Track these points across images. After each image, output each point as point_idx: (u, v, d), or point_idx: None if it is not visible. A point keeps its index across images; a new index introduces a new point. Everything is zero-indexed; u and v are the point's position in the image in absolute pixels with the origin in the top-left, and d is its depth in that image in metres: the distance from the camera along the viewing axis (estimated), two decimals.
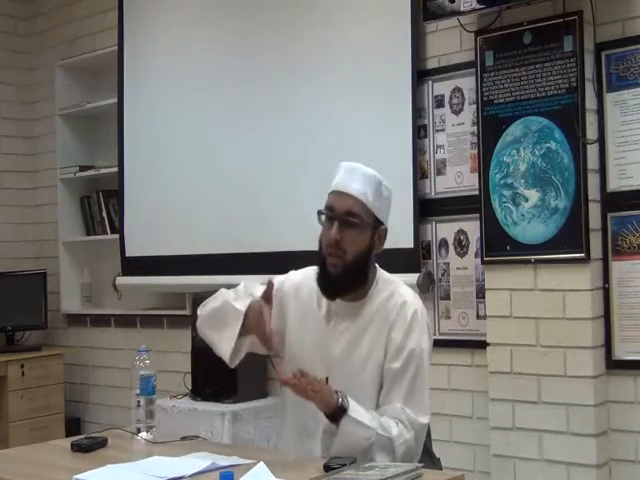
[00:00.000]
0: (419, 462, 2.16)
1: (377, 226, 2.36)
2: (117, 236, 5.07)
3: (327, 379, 2.30)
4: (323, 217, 2.35)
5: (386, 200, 2.39)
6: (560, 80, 3.33)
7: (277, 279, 2.52)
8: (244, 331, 2.35)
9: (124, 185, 5.04)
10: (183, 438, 2.53)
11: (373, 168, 3.87)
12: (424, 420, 2.29)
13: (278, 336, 2.44)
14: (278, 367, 2.42)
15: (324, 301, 2.42)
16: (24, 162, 5.77)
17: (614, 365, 3.31)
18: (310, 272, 2.48)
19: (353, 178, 2.35)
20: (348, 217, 2.31)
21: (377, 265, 2.45)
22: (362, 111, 3.97)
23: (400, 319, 2.34)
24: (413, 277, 3.76)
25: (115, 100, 5.08)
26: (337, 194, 2.35)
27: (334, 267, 2.33)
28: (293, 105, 4.25)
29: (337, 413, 2.17)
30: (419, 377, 2.31)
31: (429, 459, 2.54)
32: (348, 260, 2.32)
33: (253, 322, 2.30)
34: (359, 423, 2.17)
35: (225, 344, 2.40)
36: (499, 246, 3.49)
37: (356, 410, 2.19)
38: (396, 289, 2.40)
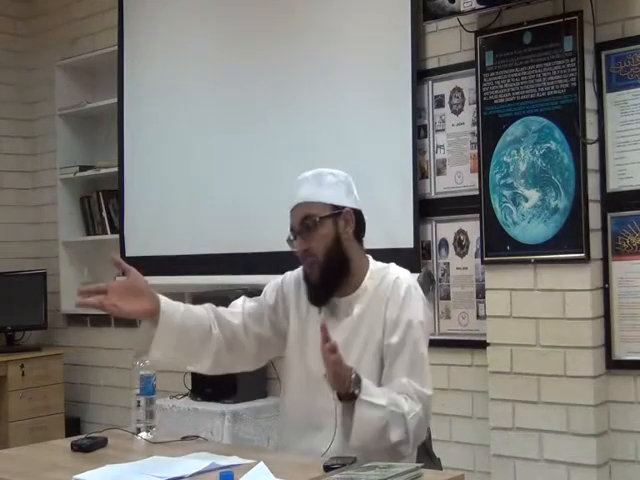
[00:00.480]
0: (419, 462, 2.16)
1: (338, 213, 2.37)
2: (117, 236, 5.08)
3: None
4: (292, 241, 2.39)
5: (339, 184, 2.40)
6: (560, 80, 3.33)
7: (274, 281, 2.55)
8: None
9: (124, 185, 5.04)
10: (183, 438, 2.52)
11: (373, 168, 3.90)
12: (428, 391, 2.30)
13: (280, 336, 2.48)
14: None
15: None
16: (24, 162, 5.77)
17: (614, 365, 3.31)
18: (301, 273, 2.50)
19: (298, 188, 2.40)
20: (303, 224, 2.35)
21: (370, 257, 2.47)
22: (362, 111, 3.97)
23: (394, 296, 2.35)
24: (413, 277, 3.76)
25: (115, 100, 5.08)
26: (291, 212, 2.40)
27: (312, 272, 2.36)
28: (293, 105, 4.25)
29: (350, 396, 2.18)
30: (418, 348, 2.31)
31: (429, 459, 2.55)
32: (321, 260, 2.34)
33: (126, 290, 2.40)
34: (372, 405, 2.18)
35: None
36: (499, 246, 3.49)
37: (369, 392, 2.19)
38: (388, 271, 2.42)
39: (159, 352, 2.37)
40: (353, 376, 2.18)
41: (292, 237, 2.39)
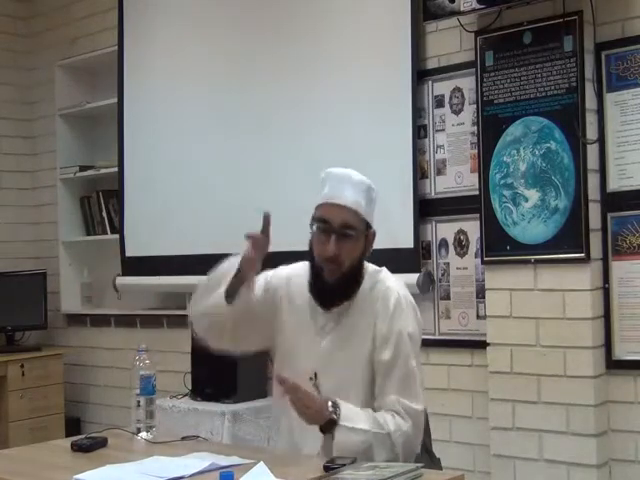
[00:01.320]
0: (419, 462, 2.16)
1: (368, 231, 2.37)
2: (117, 236, 5.08)
3: (315, 374, 2.33)
4: (315, 227, 2.34)
5: (375, 202, 2.40)
6: (560, 80, 3.33)
7: (265, 273, 2.51)
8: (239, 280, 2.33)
9: (124, 185, 5.04)
10: (183, 438, 2.53)
11: (373, 168, 3.88)
12: (419, 406, 2.29)
13: (268, 329, 2.46)
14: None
15: (316, 306, 2.41)
16: (24, 162, 5.76)
17: (614, 365, 3.31)
18: (299, 268, 2.48)
19: (345, 187, 2.33)
20: (345, 230, 2.31)
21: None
22: (362, 111, 3.97)
23: (383, 307, 2.34)
24: (413, 277, 3.77)
25: (115, 100, 5.08)
26: (331, 206, 2.33)
27: (332, 277, 2.33)
28: (293, 105, 4.25)
29: (329, 425, 2.18)
30: (409, 363, 2.30)
31: (429, 459, 2.54)
32: (345, 270, 2.33)
33: (245, 263, 2.31)
34: (353, 430, 2.18)
35: (221, 288, 2.36)
36: (499, 246, 3.49)
37: (349, 418, 2.19)
38: (379, 279, 2.41)
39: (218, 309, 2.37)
40: (330, 405, 2.19)
41: (322, 228, 2.32)
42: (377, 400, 2.30)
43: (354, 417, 2.21)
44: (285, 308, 2.48)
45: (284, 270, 2.53)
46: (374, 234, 2.40)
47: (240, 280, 2.34)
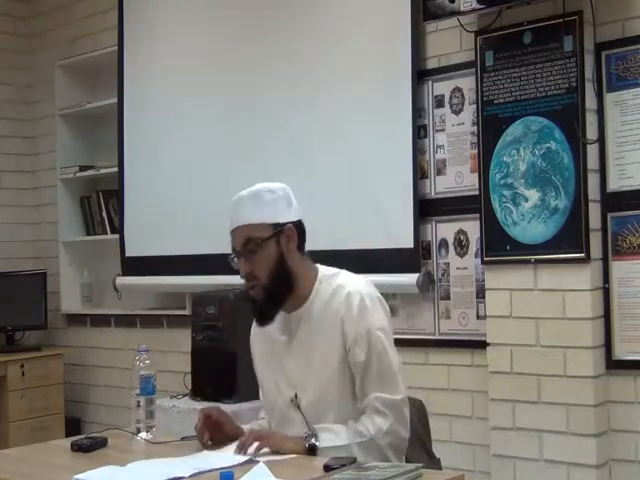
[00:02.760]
0: (419, 462, 2.15)
1: (279, 231, 2.34)
2: (117, 236, 5.08)
3: (296, 395, 2.35)
4: (235, 261, 2.36)
5: (276, 201, 2.36)
6: (560, 80, 3.33)
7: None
8: None
9: (124, 185, 5.04)
10: (183, 438, 2.52)
11: (373, 168, 3.88)
12: (398, 396, 2.29)
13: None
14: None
15: (277, 325, 2.42)
16: (24, 162, 5.77)
17: (614, 365, 3.31)
18: None
19: (236, 210, 2.37)
20: (245, 246, 2.32)
21: (317, 264, 2.43)
22: (362, 111, 3.97)
23: (348, 312, 2.31)
24: (413, 277, 3.77)
25: (115, 100, 5.08)
26: (231, 234, 2.37)
27: (256, 294, 2.34)
28: (293, 105, 4.25)
29: (310, 452, 2.22)
30: (384, 358, 2.30)
31: (429, 459, 2.55)
32: (265, 282, 2.32)
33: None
34: (334, 448, 2.20)
35: None
36: (499, 246, 3.49)
37: (327, 439, 2.23)
38: (339, 282, 2.37)
39: None
40: (305, 434, 2.23)
41: (234, 257, 2.36)
42: (359, 401, 2.31)
43: (332, 437, 2.23)
44: (257, 358, 2.53)
45: (252, 327, 2.55)
46: (291, 229, 2.35)
47: None
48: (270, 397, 2.45)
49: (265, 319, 2.38)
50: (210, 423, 2.40)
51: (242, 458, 2.17)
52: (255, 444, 2.21)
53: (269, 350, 2.46)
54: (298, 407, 2.33)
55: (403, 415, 2.30)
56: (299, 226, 2.38)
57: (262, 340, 2.50)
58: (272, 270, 2.32)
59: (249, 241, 2.31)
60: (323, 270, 2.42)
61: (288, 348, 2.39)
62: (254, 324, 2.50)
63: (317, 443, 2.21)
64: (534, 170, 3.39)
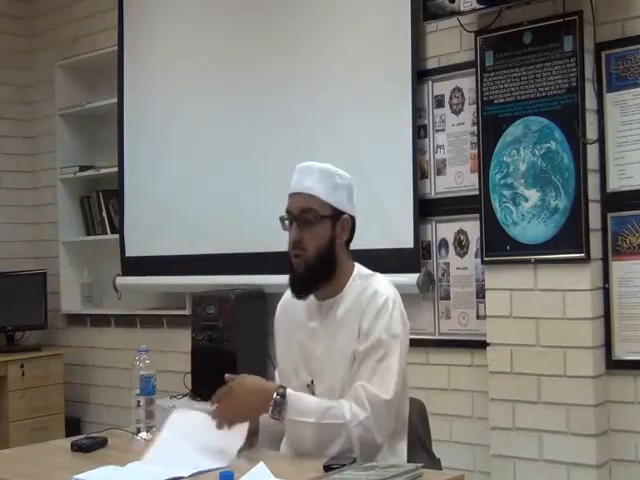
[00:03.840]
0: (419, 462, 2.15)
1: (338, 216, 2.36)
2: (117, 236, 5.08)
3: (312, 381, 2.36)
4: (286, 223, 2.38)
5: (343, 188, 2.39)
6: (560, 80, 3.33)
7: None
8: None
9: (124, 185, 5.04)
10: None
11: (373, 168, 3.88)
12: (385, 396, 2.24)
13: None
14: None
15: (305, 307, 2.44)
16: (24, 162, 5.77)
17: (614, 365, 3.31)
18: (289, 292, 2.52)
19: (305, 176, 2.38)
20: (303, 214, 2.34)
21: (356, 263, 2.45)
22: (362, 111, 3.97)
23: (370, 308, 2.33)
24: (413, 277, 3.77)
25: (115, 100, 5.08)
26: (292, 196, 2.39)
27: (298, 266, 2.36)
28: (293, 105, 4.25)
29: (276, 409, 2.20)
30: (386, 361, 2.28)
31: (429, 459, 2.55)
32: (310, 256, 2.34)
33: None
34: (299, 422, 2.19)
35: None
36: (499, 246, 3.49)
37: (297, 410, 2.20)
38: (370, 282, 2.39)
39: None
40: (276, 396, 2.20)
41: (287, 219, 2.38)
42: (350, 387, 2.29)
43: (304, 409, 2.21)
44: (279, 338, 2.54)
45: (280, 303, 2.57)
46: (348, 220, 2.39)
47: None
48: (286, 378, 2.44)
49: (300, 292, 2.40)
50: None
51: (201, 465, 2.14)
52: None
53: (293, 333, 2.46)
54: (313, 394, 2.33)
55: (382, 416, 2.24)
56: (353, 222, 2.41)
57: (287, 322, 2.50)
58: (320, 249, 2.34)
59: (309, 211, 2.34)
60: (360, 269, 2.45)
61: (314, 335, 2.40)
62: (281, 302, 2.54)
63: (286, 414, 2.19)
64: (534, 170, 3.39)
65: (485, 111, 3.53)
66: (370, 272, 2.45)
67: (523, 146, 3.42)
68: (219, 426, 2.23)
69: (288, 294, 2.52)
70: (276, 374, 2.58)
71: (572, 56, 3.30)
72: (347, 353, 2.32)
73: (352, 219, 2.41)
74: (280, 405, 2.20)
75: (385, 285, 2.39)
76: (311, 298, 2.42)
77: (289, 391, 2.23)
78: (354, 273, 2.42)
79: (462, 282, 3.75)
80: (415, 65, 3.82)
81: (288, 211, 2.38)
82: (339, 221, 2.37)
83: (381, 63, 3.92)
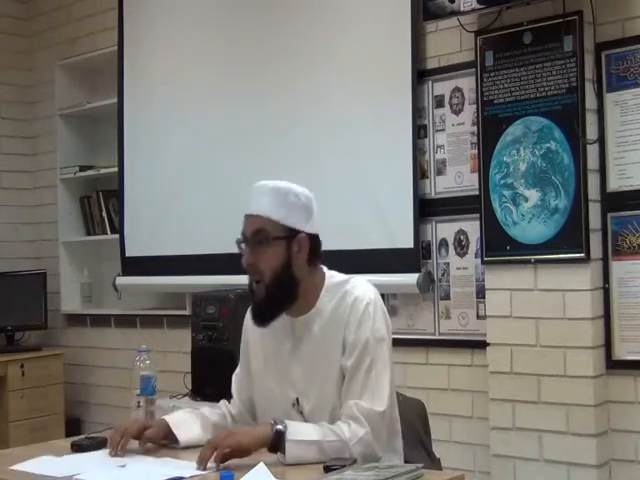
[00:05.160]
0: (419, 462, 2.15)
1: (292, 236, 2.28)
2: (117, 236, 5.08)
3: (297, 399, 2.31)
4: (242, 246, 2.33)
5: (299, 207, 2.29)
6: (560, 80, 3.33)
7: (242, 339, 2.53)
8: None
9: (124, 185, 5.04)
10: None
11: (373, 168, 3.88)
12: (379, 408, 2.21)
13: (248, 386, 2.50)
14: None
15: (280, 326, 2.37)
16: (24, 162, 5.77)
17: (614, 365, 3.31)
18: None
19: (257, 197, 2.31)
20: (255, 236, 2.28)
21: (325, 269, 2.39)
22: (362, 111, 3.97)
23: (352, 318, 2.28)
24: (413, 277, 3.77)
25: (115, 100, 5.08)
26: (245, 218, 2.33)
27: (257, 290, 2.30)
28: (293, 105, 4.25)
29: (276, 441, 2.15)
30: (374, 368, 2.24)
31: (429, 459, 2.54)
32: (267, 280, 2.27)
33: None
34: (303, 442, 2.14)
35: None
36: (499, 246, 3.49)
37: (297, 432, 2.16)
38: (347, 289, 2.33)
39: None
40: (272, 422, 2.16)
41: (242, 241, 2.33)
42: (340, 407, 2.26)
43: (303, 430, 2.17)
44: (252, 352, 2.47)
45: (246, 318, 2.51)
46: (305, 239, 2.29)
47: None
48: (269, 397, 2.40)
49: (261, 320, 2.35)
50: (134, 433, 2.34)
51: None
52: (212, 453, 2.12)
53: (272, 350, 2.41)
54: (301, 413, 2.31)
55: (379, 428, 2.22)
56: (314, 240, 2.32)
57: (260, 339, 2.44)
58: (276, 271, 2.27)
59: (260, 232, 2.28)
60: (331, 277, 2.37)
61: (293, 353, 2.35)
62: (248, 315, 2.46)
63: (285, 433, 2.13)
64: (534, 170, 3.39)
65: (485, 111, 3.53)
66: (344, 277, 2.38)
67: (523, 146, 3.42)
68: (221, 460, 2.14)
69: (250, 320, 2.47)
70: (234, 378, 2.53)
71: (572, 56, 3.30)
72: (333, 370, 2.28)
73: (312, 237, 2.31)
74: (281, 434, 2.14)
75: (363, 287, 2.34)
76: (283, 316, 2.35)
77: (286, 421, 2.18)
78: (325, 284, 2.35)
79: (462, 282, 3.75)
80: (415, 65, 3.82)
81: (242, 234, 2.33)
82: (294, 241, 2.28)
83: (381, 63, 3.92)
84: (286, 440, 2.13)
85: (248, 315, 2.47)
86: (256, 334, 2.45)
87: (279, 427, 2.14)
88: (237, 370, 2.55)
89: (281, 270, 2.27)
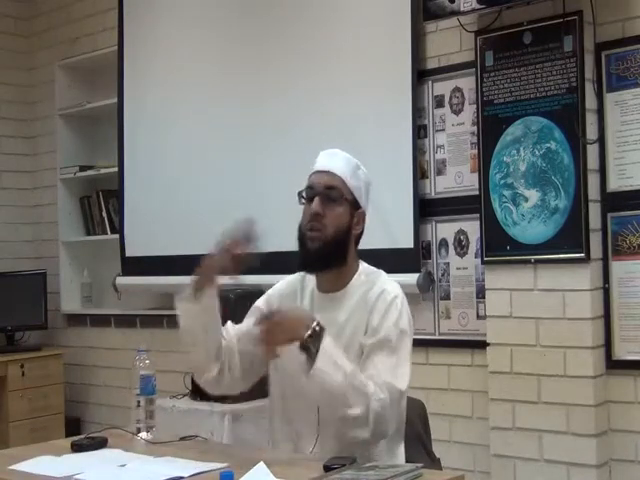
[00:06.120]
0: (419, 462, 2.15)
1: (356, 207, 2.36)
2: (117, 236, 5.08)
3: None
4: (303, 199, 2.35)
5: (363, 184, 2.40)
6: (560, 80, 3.33)
7: (260, 300, 2.53)
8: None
9: (124, 185, 5.04)
10: (182, 438, 2.52)
11: (373, 168, 3.88)
12: (400, 386, 2.21)
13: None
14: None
15: (306, 297, 2.41)
16: (24, 162, 5.77)
17: (614, 365, 3.31)
18: (291, 277, 2.50)
19: (331, 158, 2.38)
20: (328, 190, 2.32)
21: (360, 260, 2.44)
22: (362, 111, 3.97)
23: (378, 305, 2.30)
24: (413, 277, 3.77)
25: (115, 100, 5.08)
26: (317, 173, 2.36)
27: (313, 241, 2.31)
28: (294, 105, 4.25)
29: (311, 344, 2.11)
30: (396, 355, 2.25)
31: (429, 459, 2.55)
32: (328, 234, 2.30)
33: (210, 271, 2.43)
34: (335, 365, 2.11)
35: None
36: (499, 246, 3.49)
37: (332, 350, 2.13)
38: (377, 280, 2.38)
39: (191, 320, 2.38)
40: (316, 326, 2.12)
41: (307, 195, 2.34)
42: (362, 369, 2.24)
43: (339, 353, 2.15)
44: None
45: (275, 288, 2.53)
46: (363, 215, 2.39)
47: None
48: (287, 369, 2.36)
49: (309, 267, 2.36)
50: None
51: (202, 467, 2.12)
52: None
53: None
54: None
55: (395, 404, 2.21)
56: (365, 221, 2.41)
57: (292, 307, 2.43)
58: (338, 230, 2.31)
59: (334, 188, 2.32)
60: (365, 267, 2.43)
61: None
62: (278, 288, 2.49)
63: (322, 344, 2.10)
64: (534, 170, 3.39)
65: (485, 111, 3.53)
66: (376, 270, 2.44)
67: (523, 146, 3.42)
68: (268, 346, 2.16)
69: (282, 286, 2.49)
70: (230, 325, 2.47)
71: (572, 56, 3.30)
72: (354, 347, 2.28)
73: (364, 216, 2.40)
74: (317, 337, 2.11)
75: (392, 284, 2.39)
76: (314, 289, 2.39)
77: (325, 336, 2.14)
78: (360, 269, 2.41)
79: (462, 282, 3.75)
80: (415, 65, 3.82)
81: (310, 187, 2.34)
82: (357, 213, 2.37)
83: (381, 63, 3.92)
84: (320, 351, 2.10)
85: (274, 294, 2.48)
86: (274, 306, 2.42)
87: (316, 328, 2.12)
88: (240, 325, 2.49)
89: (342, 231, 2.33)
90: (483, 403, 3.60)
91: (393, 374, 2.21)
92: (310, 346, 2.11)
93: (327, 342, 2.13)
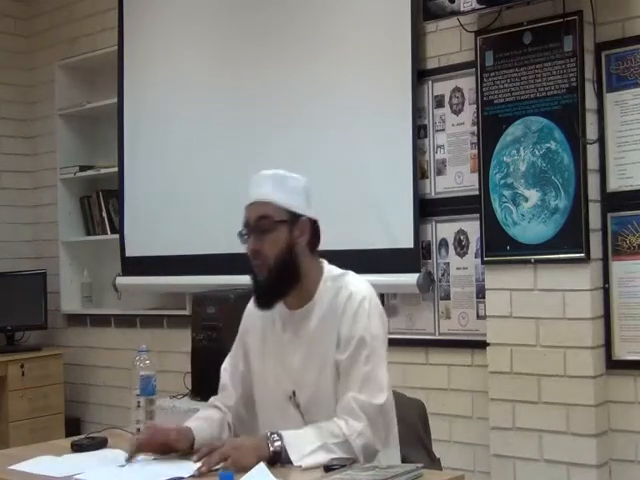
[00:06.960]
0: (419, 462, 2.15)
1: (295, 220, 2.31)
2: (117, 236, 5.08)
3: (294, 392, 2.31)
4: (245, 237, 2.33)
5: (299, 191, 2.34)
6: (560, 80, 3.33)
7: (241, 325, 2.53)
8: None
9: (124, 185, 5.04)
10: None
11: (373, 168, 3.88)
12: (378, 401, 2.21)
13: (244, 378, 2.47)
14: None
15: (278, 317, 2.38)
16: (24, 162, 5.77)
17: (614, 365, 3.31)
18: None
19: (258, 185, 2.34)
20: (259, 222, 2.29)
21: (325, 263, 2.40)
22: (362, 111, 3.97)
23: (347, 312, 2.28)
24: (413, 277, 3.77)
25: (115, 100, 5.08)
26: (248, 207, 2.34)
27: (260, 271, 2.30)
28: (294, 105, 4.25)
29: (276, 457, 2.11)
30: (371, 361, 2.24)
31: (429, 459, 2.54)
32: (270, 264, 2.28)
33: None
34: (306, 453, 2.11)
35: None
36: (499, 246, 3.49)
37: (293, 443, 2.12)
38: (343, 283, 2.34)
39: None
40: (268, 435, 2.13)
41: (245, 233, 2.34)
42: (337, 402, 2.25)
43: (301, 443, 2.13)
44: (251, 343, 2.46)
45: (250, 309, 2.50)
46: (306, 222, 2.32)
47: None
48: (266, 389, 2.39)
49: (264, 301, 2.34)
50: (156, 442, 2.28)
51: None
52: (218, 462, 2.10)
53: (266, 343, 2.41)
54: (297, 406, 2.31)
55: (378, 422, 2.21)
56: (314, 225, 2.36)
57: (260, 330, 2.44)
58: (279, 253, 2.28)
59: (263, 218, 2.29)
60: (330, 270, 2.39)
61: (291, 345, 2.34)
62: (250, 308, 2.46)
63: (290, 455, 2.10)
64: (534, 170, 3.39)
65: (485, 111, 3.53)
66: (341, 271, 2.39)
67: (523, 146, 3.42)
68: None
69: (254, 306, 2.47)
70: (226, 371, 2.50)
71: (572, 56, 3.30)
72: (328, 362, 2.27)
73: (312, 222, 2.35)
74: (279, 452, 2.11)
75: (359, 284, 2.34)
76: (282, 308, 2.36)
77: (282, 433, 2.14)
78: (324, 275, 2.37)
79: (462, 282, 3.75)
80: (415, 65, 3.82)
81: (245, 224, 2.34)
82: (297, 225, 2.31)
83: (381, 63, 3.92)
84: (290, 456, 2.10)
85: (249, 306, 2.49)
86: (256, 326, 2.45)
87: (276, 446, 2.11)
88: (226, 364, 2.53)
89: (284, 253, 2.29)
90: (483, 403, 3.60)
91: (369, 389, 2.21)
92: (278, 456, 2.11)
93: (287, 437, 2.13)
